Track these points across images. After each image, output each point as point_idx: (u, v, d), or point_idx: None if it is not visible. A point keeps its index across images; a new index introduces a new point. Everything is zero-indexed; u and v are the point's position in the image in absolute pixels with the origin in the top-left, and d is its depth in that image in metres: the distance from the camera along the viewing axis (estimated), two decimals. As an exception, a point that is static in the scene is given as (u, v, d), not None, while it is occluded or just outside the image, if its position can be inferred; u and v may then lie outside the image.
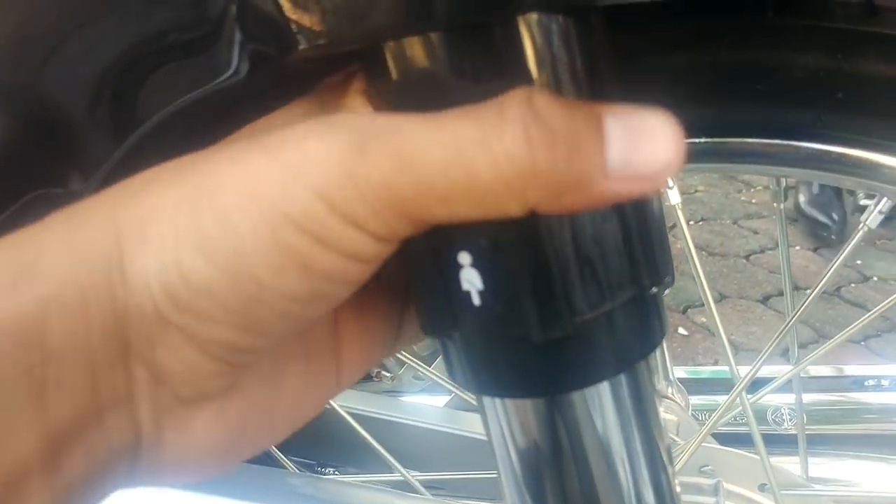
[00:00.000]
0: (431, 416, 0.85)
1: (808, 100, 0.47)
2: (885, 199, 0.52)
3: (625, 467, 0.34)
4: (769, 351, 0.57)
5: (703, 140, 0.50)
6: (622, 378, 0.32)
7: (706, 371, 1.00)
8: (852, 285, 2.31)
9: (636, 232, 0.29)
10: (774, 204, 0.57)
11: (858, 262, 2.39)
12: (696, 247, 2.48)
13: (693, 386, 0.90)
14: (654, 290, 0.31)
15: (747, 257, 2.46)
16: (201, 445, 0.29)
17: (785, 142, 0.49)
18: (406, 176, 0.24)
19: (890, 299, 0.60)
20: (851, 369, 0.95)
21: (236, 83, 0.37)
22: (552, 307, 0.27)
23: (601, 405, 0.32)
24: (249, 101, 0.45)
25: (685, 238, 0.58)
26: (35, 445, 0.24)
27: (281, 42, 0.30)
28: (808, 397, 0.85)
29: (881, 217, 0.52)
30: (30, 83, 0.38)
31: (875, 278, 2.35)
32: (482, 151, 0.23)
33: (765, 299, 2.29)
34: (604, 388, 0.31)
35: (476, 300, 0.28)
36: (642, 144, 0.24)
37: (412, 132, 0.24)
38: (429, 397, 1.04)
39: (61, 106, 0.38)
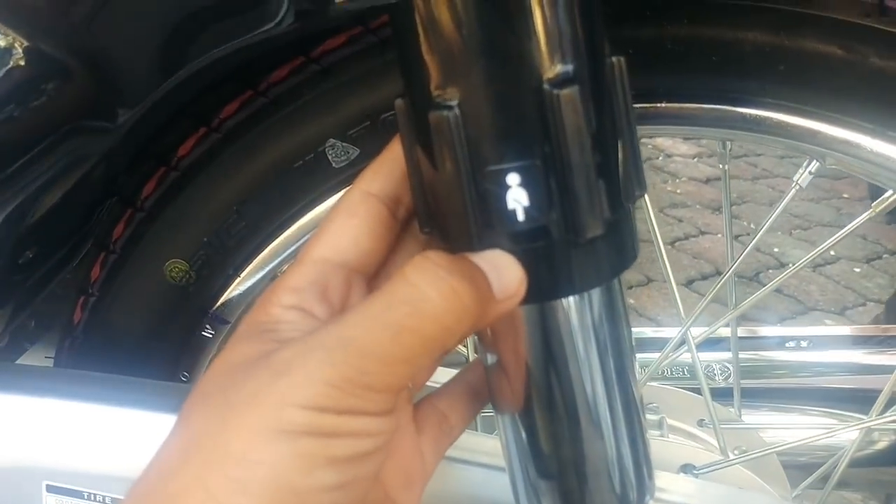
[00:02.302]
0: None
1: (754, 71, 0.54)
2: (814, 161, 0.60)
3: (611, 367, 0.39)
4: (711, 294, 0.65)
5: (663, 104, 0.57)
6: (614, 284, 0.38)
7: (647, 332, 1.08)
8: (770, 271, 2.44)
9: (632, 149, 0.36)
10: (720, 165, 0.64)
11: (776, 249, 2.53)
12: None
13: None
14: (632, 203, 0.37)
15: (672, 244, 2.57)
16: None
17: (733, 108, 0.56)
18: (370, 361, 0.31)
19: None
20: (774, 331, 1.05)
21: (278, 33, 0.43)
22: (590, 211, 0.34)
23: (598, 308, 0.38)
24: (285, 48, 0.50)
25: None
26: None
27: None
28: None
29: (810, 177, 0.60)
30: (85, 25, 0.42)
31: (790, 265, 2.49)
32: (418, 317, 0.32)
33: (688, 283, 2.40)
34: (598, 293, 0.37)
35: (521, 216, 0.34)
36: (504, 276, 0.34)
37: (359, 330, 0.31)
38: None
39: (114, 48, 0.43)
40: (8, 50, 0.44)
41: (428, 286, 0.32)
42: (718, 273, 2.42)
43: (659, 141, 3.21)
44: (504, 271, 0.33)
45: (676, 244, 2.59)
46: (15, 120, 0.43)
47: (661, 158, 3.14)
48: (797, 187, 0.60)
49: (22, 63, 0.44)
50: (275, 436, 0.29)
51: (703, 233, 2.64)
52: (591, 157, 0.33)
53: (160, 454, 0.32)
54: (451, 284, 0.32)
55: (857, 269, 2.57)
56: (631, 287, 2.34)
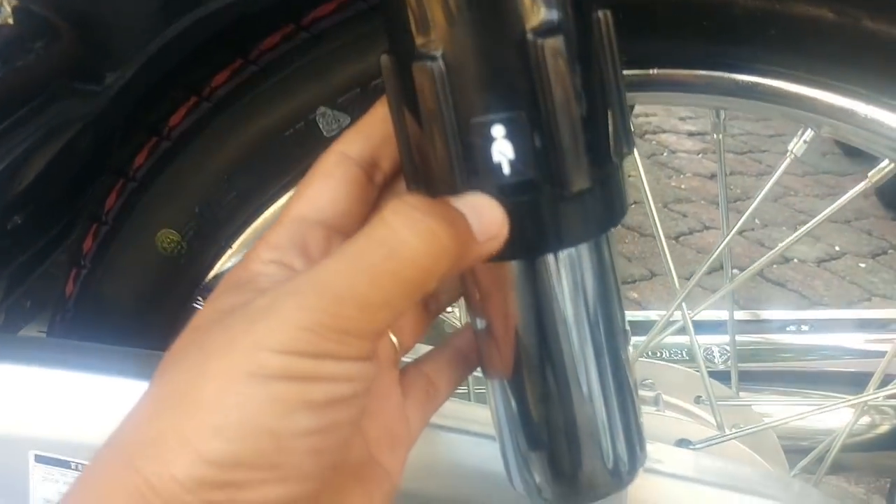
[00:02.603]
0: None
1: (746, 36, 0.54)
2: (808, 129, 0.59)
3: (600, 327, 0.39)
4: (707, 264, 0.64)
5: (654, 71, 0.56)
6: (602, 240, 0.38)
7: (651, 315, 1.08)
8: (774, 266, 2.43)
9: (619, 105, 0.35)
10: (714, 135, 0.64)
11: (780, 244, 2.52)
12: (630, 228, 2.59)
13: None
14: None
15: (676, 238, 2.56)
16: None
17: (726, 74, 0.55)
18: (347, 305, 0.30)
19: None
20: (775, 314, 1.04)
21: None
22: (576, 163, 0.33)
23: (586, 265, 0.37)
24: (274, 15, 0.50)
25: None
26: None
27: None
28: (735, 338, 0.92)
29: (805, 146, 0.60)
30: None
31: (795, 260, 2.48)
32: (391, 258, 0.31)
33: (692, 277, 2.40)
34: (586, 249, 0.37)
35: (506, 169, 0.33)
36: (485, 217, 0.33)
37: (336, 274, 0.31)
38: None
39: (102, 8, 0.43)
40: (-3, 10, 0.44)
41: (405, 228, 0.31)
42: (722, 267, 2.41)
43: (663, 137, 3.21)
44: (484, 212, 0.33)
45: (680, 239, 2.59)
46: (1, 80, 0.43)
47: (665, 154, 3.13)
48: (792, 156, 0.60)
49: (10, 22, 0.44)
50: (250, 380, 0.29)
51: (707, 227, 2.63)
52: (577, 108, 0.33)
53: (137, 406, 0.31)
54: (429, 225, 0.31)
55: (863, 265, 2.56)
56: (634, 281, 2.33)
